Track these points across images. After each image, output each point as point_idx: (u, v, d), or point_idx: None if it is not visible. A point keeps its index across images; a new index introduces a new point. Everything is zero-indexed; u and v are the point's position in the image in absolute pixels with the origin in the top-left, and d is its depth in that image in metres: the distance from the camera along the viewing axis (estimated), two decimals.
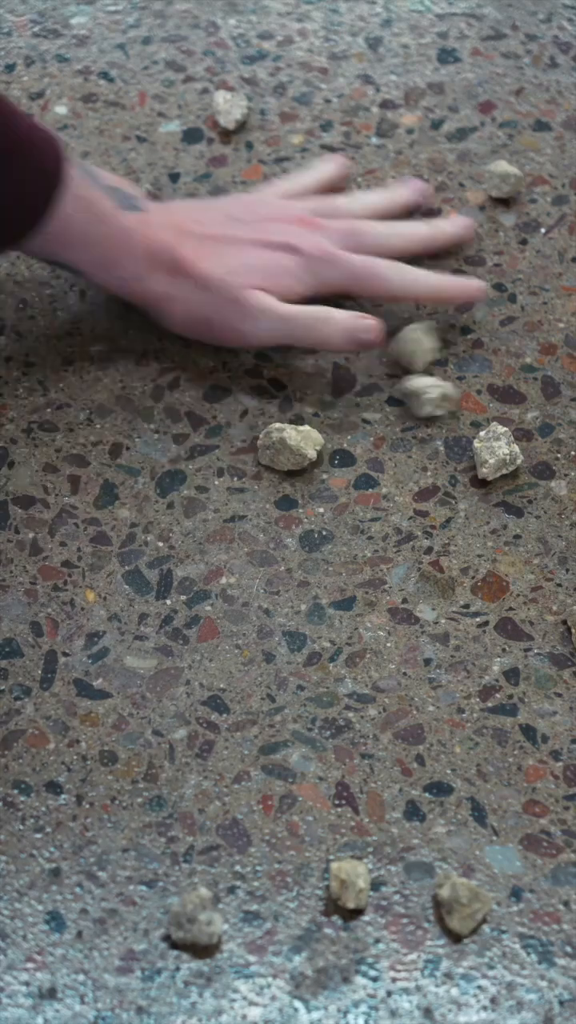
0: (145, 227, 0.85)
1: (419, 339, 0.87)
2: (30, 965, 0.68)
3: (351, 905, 0.68)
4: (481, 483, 0.83)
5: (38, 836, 0.71)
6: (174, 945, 0.67)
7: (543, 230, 0.94)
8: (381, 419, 0.86)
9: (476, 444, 0.82)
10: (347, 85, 1.02)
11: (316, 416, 0.86)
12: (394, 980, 0.67)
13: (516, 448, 0.82)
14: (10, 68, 1.04)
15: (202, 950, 0.67)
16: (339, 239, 0.87)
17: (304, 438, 0.82)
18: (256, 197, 0.91)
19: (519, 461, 0.82)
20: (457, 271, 0.92)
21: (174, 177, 0.98)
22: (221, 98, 0.98)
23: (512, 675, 0.76)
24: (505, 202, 0.95)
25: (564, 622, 0.77)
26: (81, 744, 0.74)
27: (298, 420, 0.86)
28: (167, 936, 0.68)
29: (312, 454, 0.82)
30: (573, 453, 0.84)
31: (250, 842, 0.71)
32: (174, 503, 0.83)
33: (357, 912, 0.69)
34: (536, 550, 0.81)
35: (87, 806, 0.72)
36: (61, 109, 1.02)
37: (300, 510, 0.82)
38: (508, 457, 0.82)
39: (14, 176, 0.81)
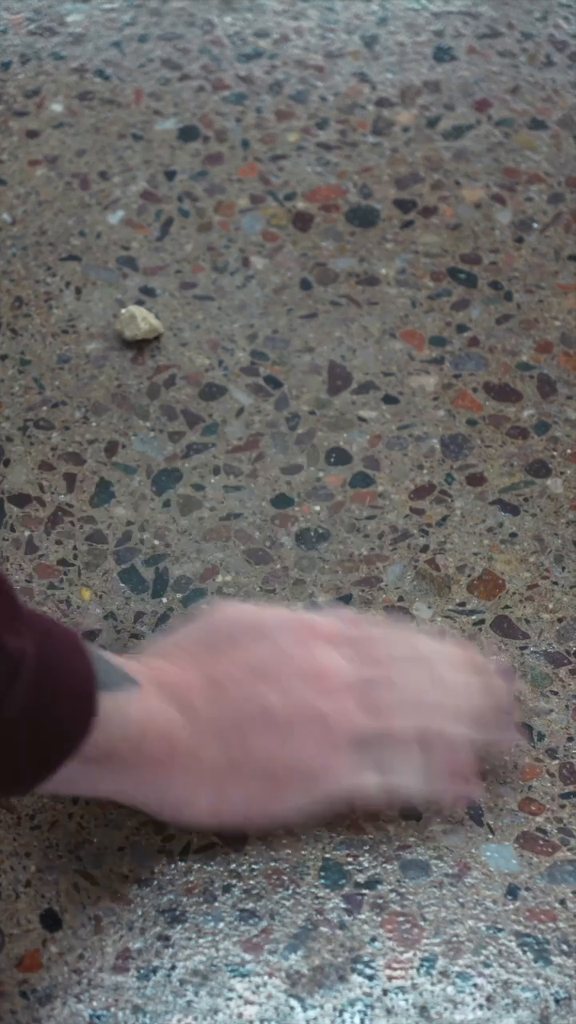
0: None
1: None
2: (26, 963, 0.67)
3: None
4: (477, 481, 0.83)
5: (34, 834, 0.71)
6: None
7: (539, 228, 0.94)
8: (377, 417, 0.86)
9: None
10: (343, 83, 1.02)
11: (312, 414, 0.86)
12: (390, 978, 0.67)
13: None
14: (6, 66, 1.04)
15: None
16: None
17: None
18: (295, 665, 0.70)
19: None
20: (453, 269, 0.92)
21: (170, 175, 0.98)
22: (139, 313, 0.89)
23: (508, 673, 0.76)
24: (501, 200, 0.95)
25: None
26: None
27: (294, 418, 0.86)
28: (162, 935, 0.68)
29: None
30: (569, 451, 0.84)
31: (246, 840, 0.71)
32: (170, 501, 0.83)
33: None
34: (532, 548, 0.81)
35: (83, 804, 0.72)
36: (57, 107, 1.01)
37: (296, 508, 0.82)
38: None
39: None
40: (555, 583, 0.79)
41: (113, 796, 0.68)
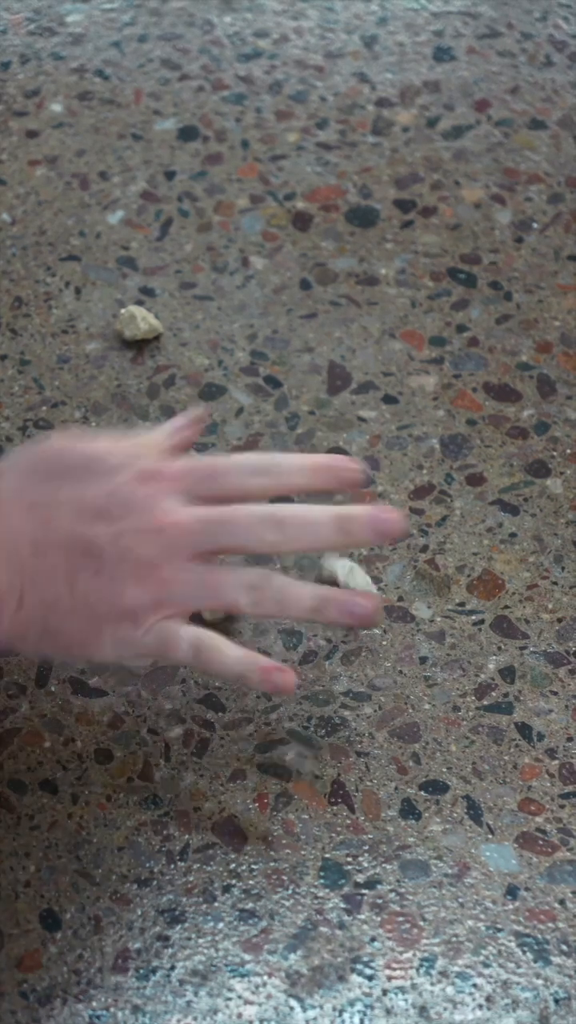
0: None
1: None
2: (26, 964, 0.67)
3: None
4: (477, 481, 0.83)
5: (34, 835, 0.71)
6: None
7: (539, 228, 0.94)
8: (377, 417, 0.86)
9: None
10: (343, 83, 1.02)
11: (312, 414, 0.86)
12: (390, 979, 0.67)
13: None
14: (5, 66, 1.04)
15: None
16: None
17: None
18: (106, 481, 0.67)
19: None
20: (452, 269, 0.92)
21: (170, 175, 0.98)
22: (139, 314, 0.89)
23: (508, 673, 0.76)
24: (501, 200, 0.95)
25: None
26: (76, 742, 0.74)
27: (294, 418, 0.86)
28: (160, 927, 0.68)
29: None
30: (569, 451, 0.84)
31: (246, 840, 0.71)
32: None
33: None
34: (532, 548, 0.80)
35: (83, 804, 0.72)
36: (56, 107, 1.01)
37: None
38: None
39: None
40: (555, 583, 0.79)
41: None
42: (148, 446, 0.69)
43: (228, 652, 0.67)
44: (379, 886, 0.70)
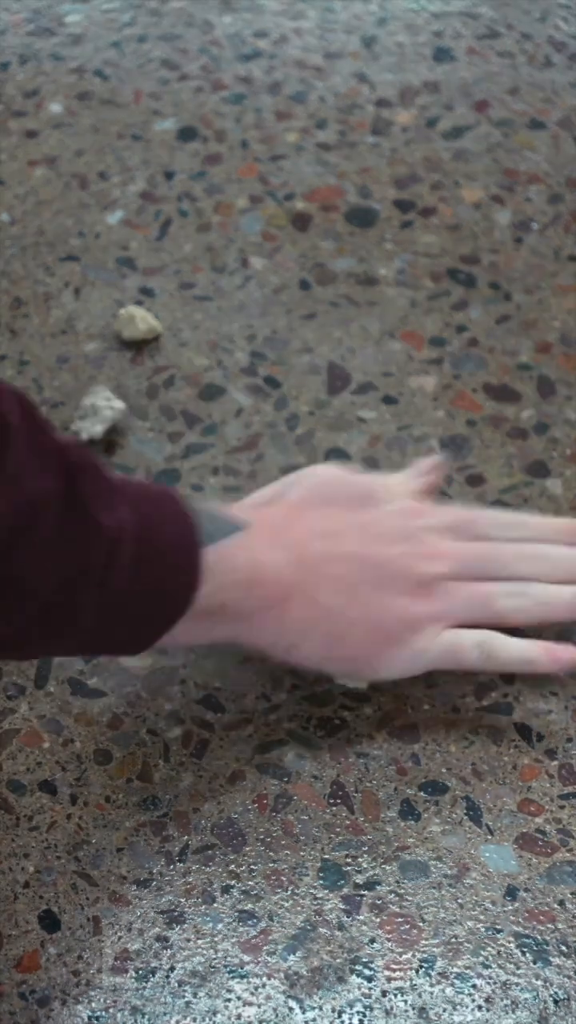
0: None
1: None
2: (24, 964, 0.67)
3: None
4: (477, 481, 0.83)
5: (32, 835, 0.71)
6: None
7: (538, 228, 0.94)
8: (376, 417, 0.86)
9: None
10: (342, 83, 1.02)
11: (312, 415, 0.86)
12: (389, 980, 0.67)
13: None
14: (5, 66, 1.04)
15: None
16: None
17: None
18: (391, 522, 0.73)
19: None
20: (452, 269, 0.92)
21: (169, 175, 0.98)
22: (138, 314, 0.89)
23: (507, 673, 0.76)
24: (501, 200, 0.95)
25: None
26: (75, 743, 0.74)
27: (293, 419, 0.86)
28: (161, 936, 0.68)
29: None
30: (568, 451, 0.84)
31: (245, 841, 0.71)
32: None
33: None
34: None
35: (82, 805, 0.72)
36: (56, 107, 1.01)
37: None
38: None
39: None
40: None
41: (226, 641, 0.70)
42: (402, 486, 0.76)
43: (513, 644, 0.72)
44: (378, 887, 0.69)
